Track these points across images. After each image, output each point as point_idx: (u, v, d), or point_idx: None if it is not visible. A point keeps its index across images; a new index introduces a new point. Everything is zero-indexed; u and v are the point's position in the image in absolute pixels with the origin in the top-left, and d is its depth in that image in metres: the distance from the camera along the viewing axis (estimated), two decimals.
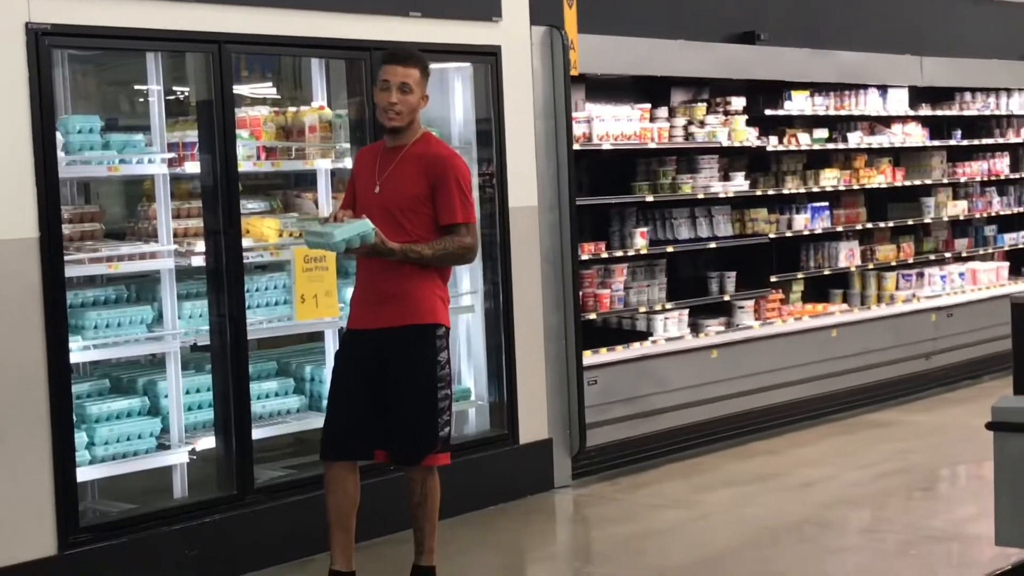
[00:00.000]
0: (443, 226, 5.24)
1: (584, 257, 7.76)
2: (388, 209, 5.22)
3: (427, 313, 5.24)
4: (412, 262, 5.17)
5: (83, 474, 5.56)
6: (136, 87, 6.06)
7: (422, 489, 5.32)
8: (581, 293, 7.66)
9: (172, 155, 5.96)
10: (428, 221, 5.23)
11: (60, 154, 5.49)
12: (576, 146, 7.60)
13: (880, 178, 10.09)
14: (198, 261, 6.00)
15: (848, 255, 9.75)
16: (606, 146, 7.99)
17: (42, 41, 5.31)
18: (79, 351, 5.65)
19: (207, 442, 6.03)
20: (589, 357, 7.61)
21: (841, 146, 9.83)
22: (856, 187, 9.89)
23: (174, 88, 6.58)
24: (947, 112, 10.79)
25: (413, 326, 5.23)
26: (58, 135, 5.49)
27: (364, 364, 5.27)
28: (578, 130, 7.76)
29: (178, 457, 5.94)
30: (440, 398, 5.25)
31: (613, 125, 8.04)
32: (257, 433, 6.09)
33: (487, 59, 7.02)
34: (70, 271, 5.51)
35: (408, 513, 5.40)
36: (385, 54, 5.38)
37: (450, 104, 7.14)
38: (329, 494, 5.29)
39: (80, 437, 5.58)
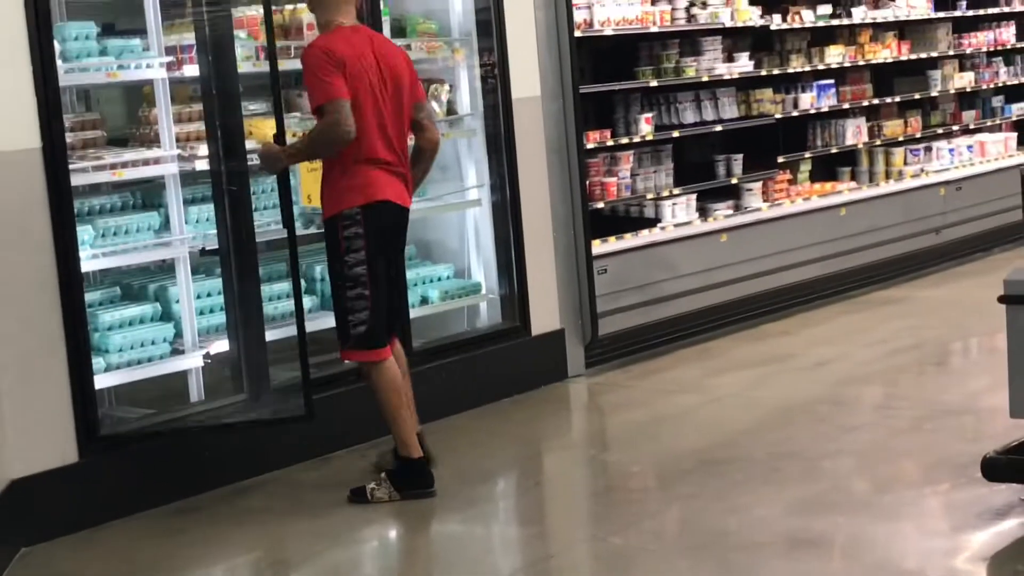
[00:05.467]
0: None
1: (589, 146, 7.70)
2: None
3: (327, 206, 5.43)
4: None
5: (99, 381, 5.58)
6: None
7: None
8: (588, 182, 7.61)
9: (171, 59, 5.89)
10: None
11: (58, 62, 5.42)
12: (577, 33, 7.49)
13: (885, 52, 9.97)
14: (202, 165, 5.93)
15: (855, 132, 9.67)
16: (608, 32, 7.88)
17: None
18: (88, 260, 5.62)
19: (221, 346, 6.04)
20: (598, 246, 7.60)
21: (845, 22, 9.69)
22: (862, 63, 9.77)
23: None
24: None
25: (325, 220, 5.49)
26: (55, 43, 5.42)
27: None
28: (579, 16, 7.64)
29: (193, 362, 5.96)
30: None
31: (614, 10, 7.91)
32: (270, 335, 6.07)
33: None
34: (74, 180, 5.46)
35: None
36: None
37: None
38: (396, 379, 5.46)
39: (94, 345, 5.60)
